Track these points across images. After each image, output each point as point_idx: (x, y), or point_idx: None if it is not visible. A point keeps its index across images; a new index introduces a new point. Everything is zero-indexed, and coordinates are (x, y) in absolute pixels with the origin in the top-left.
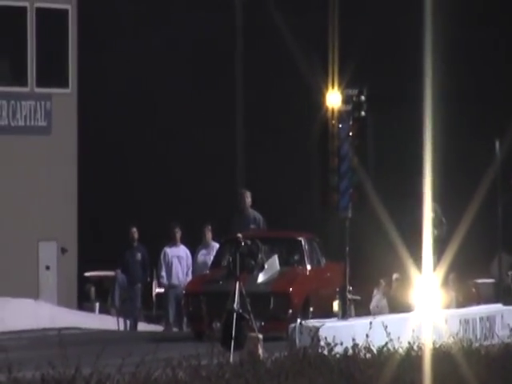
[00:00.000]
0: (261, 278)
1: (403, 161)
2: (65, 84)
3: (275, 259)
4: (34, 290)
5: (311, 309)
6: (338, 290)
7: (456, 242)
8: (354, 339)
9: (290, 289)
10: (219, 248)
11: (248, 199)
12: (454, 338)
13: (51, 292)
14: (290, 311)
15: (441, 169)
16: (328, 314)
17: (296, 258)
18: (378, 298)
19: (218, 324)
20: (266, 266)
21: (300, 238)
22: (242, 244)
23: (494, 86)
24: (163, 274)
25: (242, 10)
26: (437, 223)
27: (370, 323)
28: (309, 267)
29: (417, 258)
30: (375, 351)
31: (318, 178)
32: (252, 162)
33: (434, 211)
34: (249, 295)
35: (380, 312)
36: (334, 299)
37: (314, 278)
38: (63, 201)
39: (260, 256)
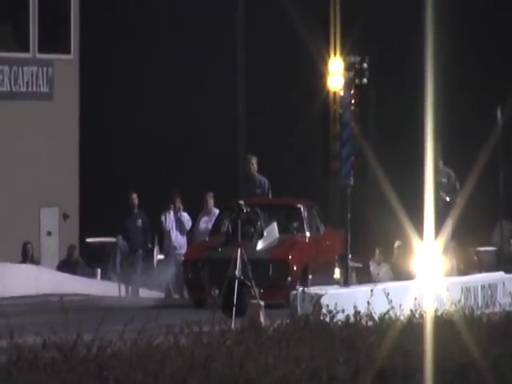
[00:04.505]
0: (260, 245)
1: (405, 128)
2: (67, 50)
3: (274, 226)
4: (35, 256)
5: (310, 276)
6: (336, 257)
7: (458, 210)
8: (355, 307)
9: (289, 256)
10: (218, 215)
11: (254, 165)
12: (455, 305)
13: (53, 258)
14: (289, 279)
15: (442, 136)
16: (327, 281)
17: (295, 225)
18: (374, 267)
19: (217, 291)
20: (265, 234)
21: (299, 205)
22: (244, 211)
23: (497, 52)
24: (164, 241)
25: None
26: (449, 189)
27: (372, 291)
28: (308, 234)
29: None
30: (377, 319)
31: (319, 145)
32: (253, 127)
33: (447, 176)
34: (248, 262)
35: (381, 279)
36: (333, 267)
37: (313, 246)
38: (65, 167)
39: (259, 223)
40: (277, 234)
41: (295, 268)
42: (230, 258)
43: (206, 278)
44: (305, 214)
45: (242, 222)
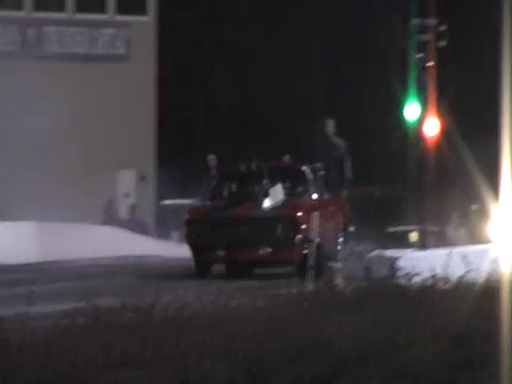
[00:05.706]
0: (266, 203)
1: (482, 90)
2: (144, 12)
3: (279, 187)
4: (113, 218)
5: (317, 239)
6: (341, 226)
7: None
8: (432, 270)
9: (298, 213)
10: (218, 179)
11: (330, 128)
12: None
13: (130, 219)
14: (299, 236)
15: None
16: (333, 246)
17: (301, 188)
18: (451, 231)
19: (222, 252)
20: (270, 193)
21: (303, 168)
22: (251, 169)
23: None
24: None
25: None
26: None
27: (449, 254)
28: (314, 196)
29: None
30: (454, 282)
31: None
32: (332, 103)
33: None
34: (255, 221)
35: (459, 243)
36: (338, 234)
37: (320, 207)
38: (142, 129)
39: (265, 181)
40: (282, 194)
41: (304, 225)
42: (233, 217)
43: (210, 238)
44: (310, 176)
45: (248, 182)
